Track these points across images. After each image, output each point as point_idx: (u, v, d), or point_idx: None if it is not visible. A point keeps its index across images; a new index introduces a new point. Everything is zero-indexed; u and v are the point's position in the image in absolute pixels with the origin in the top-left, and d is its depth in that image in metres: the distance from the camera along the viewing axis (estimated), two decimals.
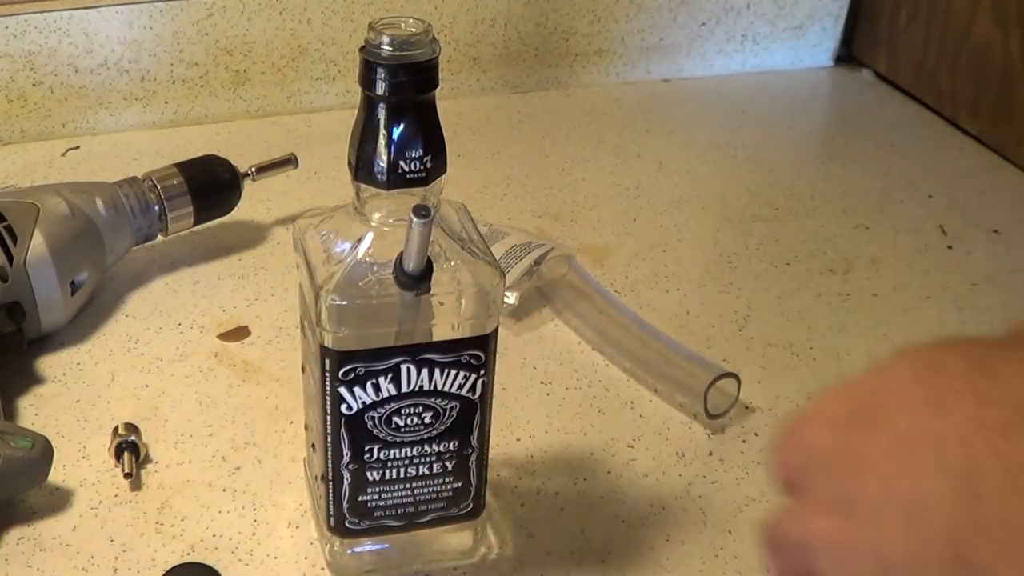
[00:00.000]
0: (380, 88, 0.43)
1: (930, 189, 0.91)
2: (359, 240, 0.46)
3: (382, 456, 0.48)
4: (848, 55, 1.13)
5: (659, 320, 0.70)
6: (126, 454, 0.57)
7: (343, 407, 0.47)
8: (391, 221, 0.46)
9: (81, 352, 0.66)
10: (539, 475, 0.59)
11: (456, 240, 0.47)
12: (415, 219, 0.43)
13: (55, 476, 0.56)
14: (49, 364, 0.65)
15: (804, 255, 0.81)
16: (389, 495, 0.50)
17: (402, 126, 0.44)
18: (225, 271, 0.75)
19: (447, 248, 0.47)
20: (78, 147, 0.90)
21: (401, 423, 0.48)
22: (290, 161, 0.79)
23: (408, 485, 0.50)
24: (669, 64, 1.07)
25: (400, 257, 0.44)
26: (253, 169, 0.78)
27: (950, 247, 0.83)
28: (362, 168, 0.45)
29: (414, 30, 0.44)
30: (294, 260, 0.49)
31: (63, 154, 0.89)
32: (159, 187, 0.72)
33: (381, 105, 0.44)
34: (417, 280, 0.44)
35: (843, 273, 0.79)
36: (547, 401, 0.65)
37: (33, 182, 0.83)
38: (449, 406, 0.48)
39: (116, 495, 0.56)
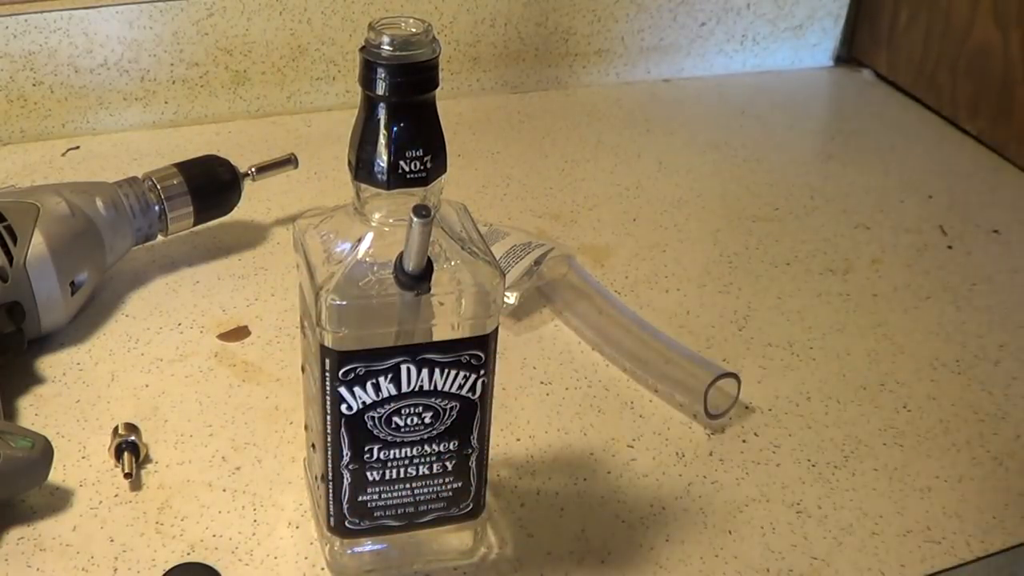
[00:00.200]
0: (380, 88, 0.43)
1: (930, 189, 0.91)
2: (359, 240, 0.46)
3: (382, 456, 0.48)
4: (848, 55, 1.13)
5: (659, 320, 0.70)
6: (126, 454, 0.57)
7: (343, 407, 0.47)
8: (391, 221, 0.46)
9: (81, 352, 0.66)
10: (539, 475, 0.59)
11: (456, 240, 0.47)
12: (415, 219, 0.43)
13: (55, 476, 0.56)
14: (49, 364, 0.65)
15: (804, 255, 0.81)
16: (389, 495, 0.50)
17: (402, 126, 0.44)
18: (225, 271, 0.75)
19: (447, 248, 0.47)
20: (78, 147, 0.90)
21: (401, 423, 0.48)
22: (290, 161, 0.79)
23: (408, 485, 0.50)
24: (669, 64, 1.07)
25: (400, 257, 0.44)
26: (253, 169, 0.78)
27: (950, 247, 0.83)
28: (362, 168, 0.45)
29: (414, 30, 0.44)
30: (294, 260, 0.49)
31: (63, 154, 0.89)
32: (159, 187, 0.72)
33: (381, 105, 0.44)
34: (417, 280, 0.44)
35: (843, 273, 0.79)
36: (547, 401, 0.65)
37: (33, 182, 0.83)
38: (449, 406, 0.48)
39: (116, 495, 0.56)
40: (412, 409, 0.48)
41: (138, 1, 0.88)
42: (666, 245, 0.81)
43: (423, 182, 0.45)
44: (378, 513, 0.50)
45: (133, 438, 0.58)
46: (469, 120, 0.98)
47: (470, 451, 0.50)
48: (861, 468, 0.61)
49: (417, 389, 0.47)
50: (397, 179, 0.44)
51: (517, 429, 0.62)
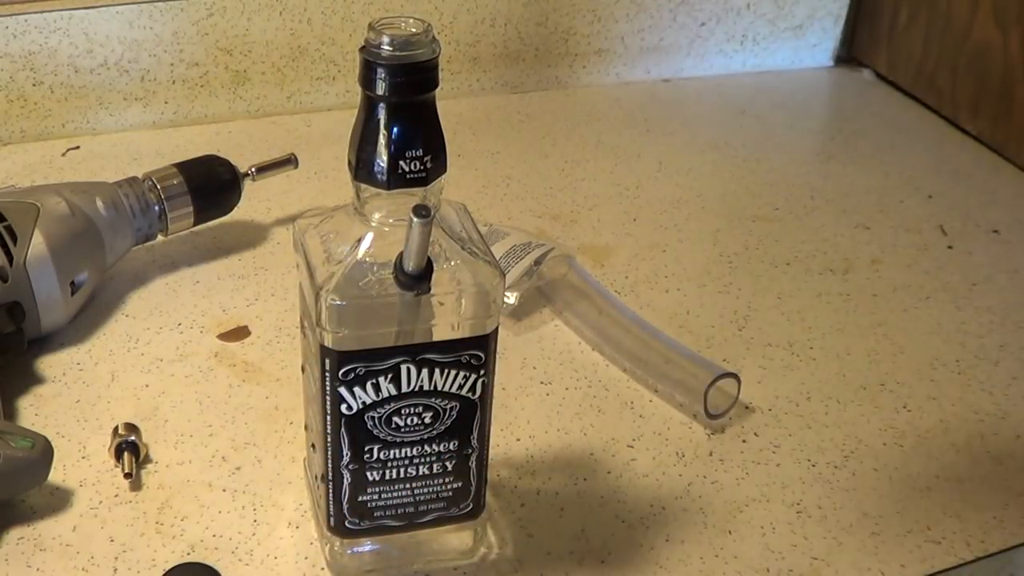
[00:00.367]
0: (380, 88, 0.43)
1: (930, 189, 0.91)
2: (359, 240, 0.46)
3: (382, 456, 0.48)
4: (848, 55, 1.13)
5: (659, 320, 0.70)
6: (126, 454, 0.57)
7: (343, 407, 0.47)
8: (391, 221, 0.46)
9: (81, 352, 0.66)
10: (539, 475, 0.59)
11: (456, 240, 0.47)
12: (415, 219, 0.43)
13: (55, 476, 0.56)
14: (49, 364, 0.65)
15: (804, 255, 0.81)
16: (389, 495, 0.50)
17: (402, 126, 0.44)
18: (225, 271, 0.75)
19: (447, 248, 0.47)
20: (78, 147, 0.90)
21: (401, 423, 0.48)
22: (290, 161, 0.79)
23: (408, 485, 0.50)
24: (669, 64, 1.07)
25: (400, 257, 0.44)
26: (253, 169, 0.78)
27: (950, 247, 0.83)
28: (362, 168, 0.45)
29: (414, 30, 0.44)
30: (294, 260, 0.49)
31: (63, 154, 0.89)
32: (159, 187, 0.72)
33: (381, 105, 0.44)
34: (417, 280, 0.44)
35: (843, 273, 0.79)
36: (547, 401, 0.65)
37: (33, 182, 0.83)
38: (449, 406, 0.48)
39: (116, 495, 0.56)
40: (412, 409, 0.48)
41: (138, 1, 0.88)
42: (666, 245, 0.81)
43: (423, 182, 0.45)
44: (378, 513, 0.50)
45: (133, 438, 0.58)
46: (469, 120, 0.98)
47: (470, 451, 0.50)
48: (861, 468, 0.61)
49: (417, 389, 0.47)
50: (397, 179, 0.44)
51: (517, 429, 0.62)
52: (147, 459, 0.58)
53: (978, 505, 0.59)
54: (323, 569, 0.52)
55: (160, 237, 0.74)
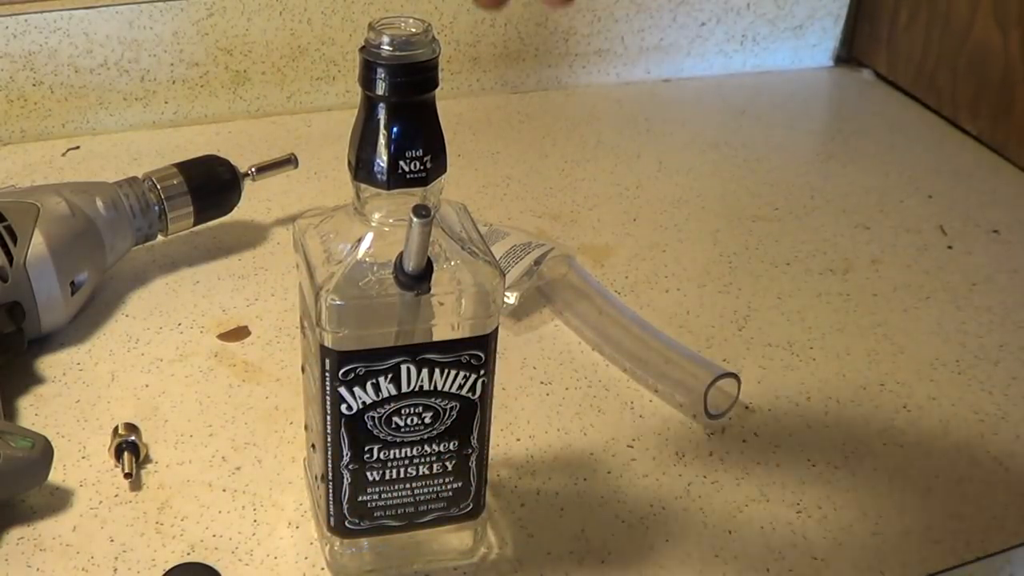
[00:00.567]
0: (380, 88, 0.43)
1: (930, 189, 0.91)
2: (359, 240, 0.46)
3: (382, 456, 0.48)
4: (848, 55, 1.13)
5: (659, 320, 0.70)
6: (126, 454, 0.57)
7: (343, 407, 0.47)
8: (391, 221, 0.46)
9: (81, 352, 0.67)
10: (539, 475, 0.59)
11: (456, 240, 0.47)
12: (415, 219, 0.43)
13: (55, 476, 0.56)
14: (49, 364, 0.65)
15: (804, 255, 0.81)
16: (389, 495, 0.50)
17: (402, 126, 0.44)
18: (225, 271, 0.75)
19: (447, 248, 0.47)
20: (78, 147, 0.90)
21: (401, 423, 0.48)
22: (290, 161, 0.79)
23: (408, 485, 0.50)
24: (669, 64, 1.07)
25: (400, 257, 0.44)
26: (253, 169, 0.78)
27: (950, 247, 0.83)
28: (362, 168, 0.45)
29: (414, 30, 0.44)
30: (294, 260, 0.49)
31: (63, 154, 0.89)
32: (159, 187, 0.72)
33: (381, 105, 0.44)
34: (417, 280, 0.44)
35: (843, 273, 0.79)
36: (547, 401, 0.65)
37: (33, 182, 0.83)
38: (449, 406, 0.48)
39: (116, 495, 0.56)
40: (412, 409, 0.48)
41: (138, 1, 0.88)
42: (666, 245, 0.81)
43: (423, 182, 0.45)
44: (378, 513, 0.50)
45: (133, 438, 0.58)
46: (469, 120, 0.98)
47: (470, 451, 0.50)
48: (861, 468, 0.61)
49: (417, 389, 0.47)
50: (397, 179, 0.44)
51: (517, 429, 0.62)
52: (147, 459, 0.58)
53: (978, 505, 0.59)
54: (323, 569, 0.52)
55: (160, 237, 0.74)
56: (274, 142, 0.91)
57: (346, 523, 0.50)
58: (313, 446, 0.52)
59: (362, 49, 0.44)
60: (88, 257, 0.68)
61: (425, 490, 0.50)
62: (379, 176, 0.44)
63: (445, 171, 0.46)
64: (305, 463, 0.57)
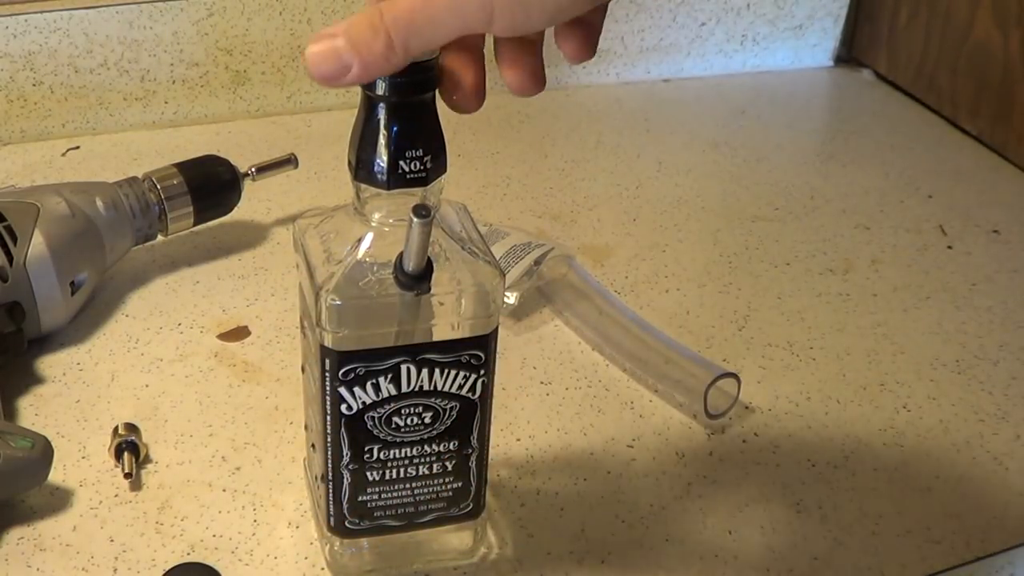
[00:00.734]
0: (380, 88, 0.43)
1: (930, 189, 0.91)
2: (359, 240, 0.46)
3: (382, 456, 0.48)
4: (848, 55, 1.13)
5: (659, 320, 0.70)
6: (126, 454, 0.57)
7: (343, 407, 0.47)
8: (391, 221, 0.46)
9: (81, 352, 0.66)
10: (539, 475, 0.59)
11: (456, 240, 0.47)
12: (415, 219, 0.43)
13: (55, 476, 0.56)
14: (49, 364, 0.65)
15: (804, 255, 0.81)
16: (389, 495, 0.50)
17: (402, 126, 0.44)
18: (225, 271, 0.75)
19: (447, 248, 0.47)
20: (78, 147, 0.90)
21: (401, 423, 0.48)
22: (290, 161, 0.79)
23: (408, 485, 0.50)
24: (669, 64, 1.07)
25: (400, 257, 0.44)
26: (253, 169, 0.78)
27: (950, 247, 0.83)
28: (362, 168, 0.45)
29: None
30: (294, 260, 0.49)
31: (63, 154, 0.89)
32: (159, 187, 0.72)
33: (381, 105, 0.43)
34: (417, 280, 0.44)
35: (843, 273, 0.79)
36: (547, 401, 0.65)
37: (33, 182, 0.83)
38: (449, 406, 0.48)
39: (116, 495, 0.56)
40: (412, 409, 0.48)
41: (138, 1, 0.88)
42: (666, 245, 0.81)
43: (423, 182, 0.45)
44: (378, 513, 0.50)
45: (133, 438, 0.58)
46: (469, 120, 0.97)
47: (470, 451, 0.50)
48: (861, 468, 0.61)
49: (417, 389, 0.47)
50: (397, 179, 0.44)
51: (517, 429, 0.62)
52: (147, 459, 0.58)
53: (978, 505, 0.59)
54: (323, 569, 0.52)
55: (160, 237, 0.74)
56: (274, 142, 0.91)
57: (346, 523, 0.50)
58: (313, 446, 0.52)
59: None
60: (88, 257, 0.68)
61: (425, 490, 0.50)
62: (379, 176, 0.44)
63: (445, 171, 0.46)
64: (305, 463, 0.57)
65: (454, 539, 0.53)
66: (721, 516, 0.57)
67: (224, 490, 0.57)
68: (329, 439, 0.48)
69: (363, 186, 0.45)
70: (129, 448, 0.57)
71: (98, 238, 0.68)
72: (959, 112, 1.01)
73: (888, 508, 0.58)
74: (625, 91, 1.05)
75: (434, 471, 0.50)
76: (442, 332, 0.47)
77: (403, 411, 0.48)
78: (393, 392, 0.47)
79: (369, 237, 0.46)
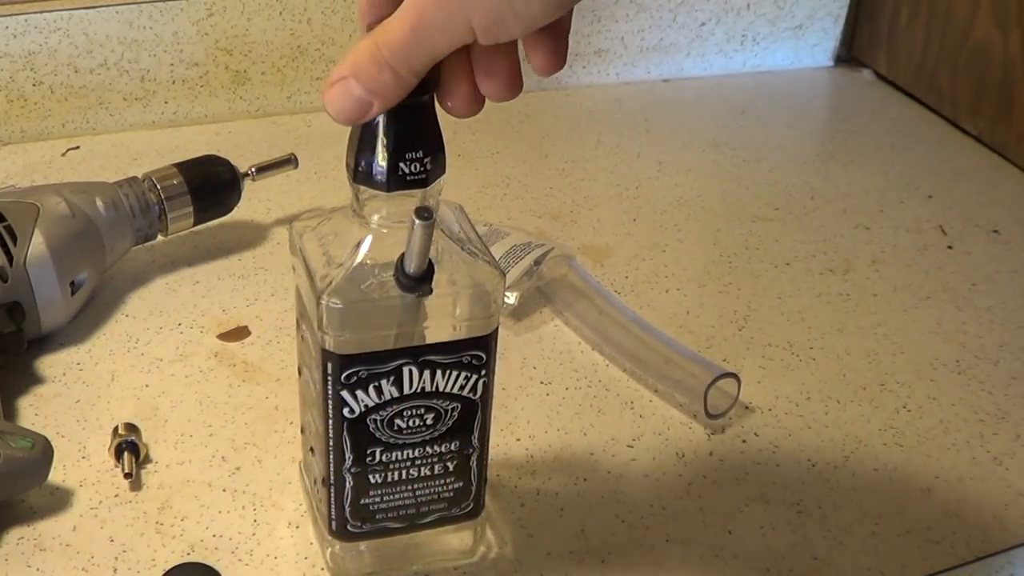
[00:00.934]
0: None
1: (930, 189, 0.91)
2: (359, 243, 0.46)
3: (384, 459, 0.48)
4: (848, 55, 1.13)
5: (659, 320, 0.70)
6: (126, 454, 0.57)
7: (345, 411, 0.47)
8: (391, 223, 0.46)
9: (81, 352, 0.66)
10: (539, 475, 0.59)
11: (455, 240, 0.47)
12: (417, 221, 0.43)
13: (55, 476, 0.56)
14: (49, 364, 0.65)
15: (804, 255, 0.81)
16: (391, 497, 0.50)
17: (401, 127, 0.44)
18: (225, 271, 0.75)
19: (446, 248, 0.47)
20: (78, 147, 0.90)
21: (403, 425, 0.48)
22: (290, 161, 0.79)
23: (410, 487, 0.50)
24: (669, 64, 1.07)
25: (401, 259, 0.44)
26: (253, 169, 0.77)
27: (950, 247, 0.83)
28: (361, 171, 0.44)
29: None
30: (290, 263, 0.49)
31: (63, 154, 0.89)
32: (159, 187, 0.72)
33: None
34: (419, 282, 0.44)
35: (843, 273, 0.79)
36: (547, 401, 0.65)
37: (33, 182, 0.83)
38: (451, 407, 0.48)
39: (116, 495, 0.56)
40: (414, 411, 0.48)
41: (138, 1, 0.88)
42: (666, 245, 0.81)
43: (423, 183, 0.45)
44: (380, 516, 0.50)
45: (133, 438, 0.58)
46: (469, 120, 0.97)
47: (471, 451, 0.50)
48: (861, 468, 0.61)
49: (419, 391, 0.47)
50: (397, 181, 0.44)
51: (517, 429, 0.62)
52: (147, 459, 0.58)
53: (978, 505, 0.59)
54: (323, 569, 0.52)
55: (160, 237, 0.74)
56: (274, 142, 0.91)
57: (348, 526, 0.50)
58: (312, 449, 0.52)
59: None
60: (88, 257, 0.68)
61: (427, 491, 0.50)
62: (379, 178, 0.44)
63: (445, 172, 0.46)
64: (301, 466, 0.57)
65: (454, 539, 0.53)
66: (721, 516, 0.57)
67: (224, 490, 0.57)
68: (331, 443, 0.48)
69: (362, 188, 0.45)
70: (129, 448, 0.57)
71: (98, 238, 0.68)
72: (959, 112, 1.01)
73: (888, 508, 0.58)
74: (625, 91, 1.05)
75: (435, 472, 0.50)
76: (443, 333, 0.47)
77: (405, 413, 0.48)
78: (395, 394, 0.47)
79: (368, 239, 0.46)
